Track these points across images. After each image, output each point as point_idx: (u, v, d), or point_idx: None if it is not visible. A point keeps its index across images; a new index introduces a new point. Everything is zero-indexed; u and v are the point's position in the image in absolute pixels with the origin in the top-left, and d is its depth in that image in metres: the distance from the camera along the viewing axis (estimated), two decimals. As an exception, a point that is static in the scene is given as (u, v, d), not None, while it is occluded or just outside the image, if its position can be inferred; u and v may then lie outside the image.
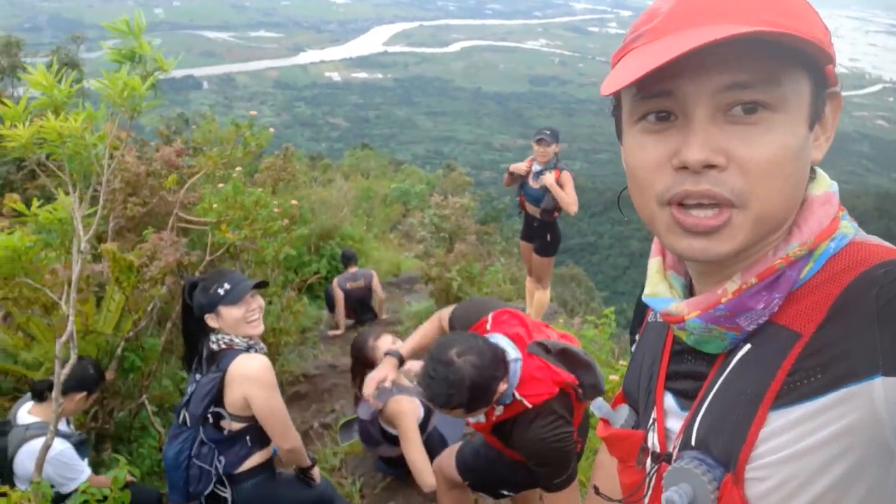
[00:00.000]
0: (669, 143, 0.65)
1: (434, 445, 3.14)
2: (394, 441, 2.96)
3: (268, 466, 2.41)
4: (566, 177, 4.46)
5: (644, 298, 0.81)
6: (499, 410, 1.90)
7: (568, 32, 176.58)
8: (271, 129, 4.79)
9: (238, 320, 2.30)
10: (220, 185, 4.40)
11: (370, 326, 6.14)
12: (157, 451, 3.48)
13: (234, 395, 2.24)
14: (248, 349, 2.32)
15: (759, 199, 0.63)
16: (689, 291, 0.80)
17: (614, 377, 3.29)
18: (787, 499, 0.64)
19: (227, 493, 2.31)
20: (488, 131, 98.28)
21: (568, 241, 44.72)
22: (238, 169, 4.58)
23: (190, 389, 2.34)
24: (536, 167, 4.57)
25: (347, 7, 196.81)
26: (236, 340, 2.31)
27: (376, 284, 6.41)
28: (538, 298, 4.96)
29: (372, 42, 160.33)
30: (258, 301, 2.39)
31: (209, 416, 2.26)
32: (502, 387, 1.83)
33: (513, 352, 1.90)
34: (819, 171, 0.73)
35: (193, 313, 2.34)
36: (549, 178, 4.40)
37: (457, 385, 1.73)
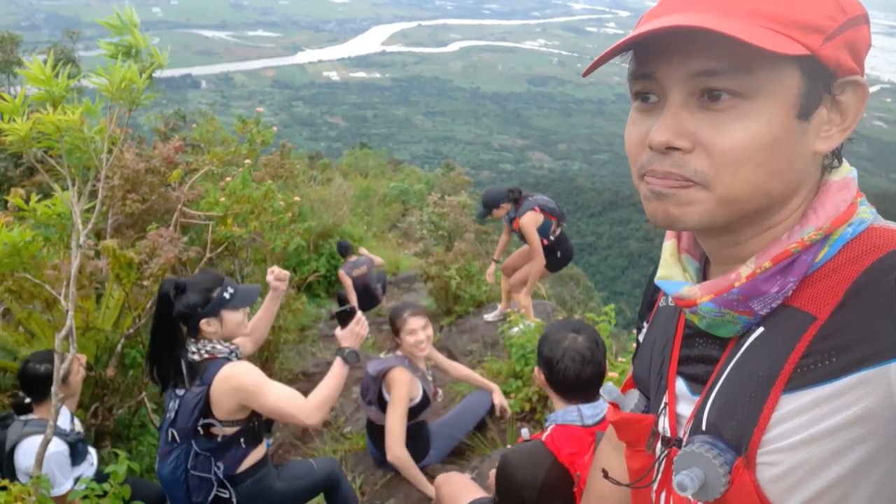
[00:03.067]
0: (649, 122, 0.68)
1: (420, 438, 3.17)
2: (384, 408, 3.03)
3: (265, 462, 2.40)
4: (524, 222, 4.46)
5: (656, 281, 0.80)
6: None
7: (566, 32, 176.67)
8: (274, 129, 4.78)
9: (238, 324, 2.28)
10: (228, 179, 4.39)
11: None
12: (156, 449, 3.47)
13: (225, 404, 2.17)
14: (229, 355, 2.25)
15: (724, 182, 0.64)
16: (703, 275, 0.80)
17: (613, 374, 3.28)
18: (798, 484, 0.64)
19: (228, 494, 2.30)
20: (487, 131, 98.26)
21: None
22: (248, 161, 4.57)
23: (171, 405, 2.25)
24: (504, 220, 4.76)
25: (346, 6, 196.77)
26: (219, 348, 2.24)
27: (378, 260, 6.86)
28: (521, 301, 4.87)
29: (370, 42, 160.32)
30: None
31: (199, 428, 2.20)
32: None
33: None
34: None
35: (171, 318, 2.22)
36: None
37: None
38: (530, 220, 4.47)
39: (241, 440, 2.28)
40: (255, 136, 4.51)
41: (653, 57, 0.66)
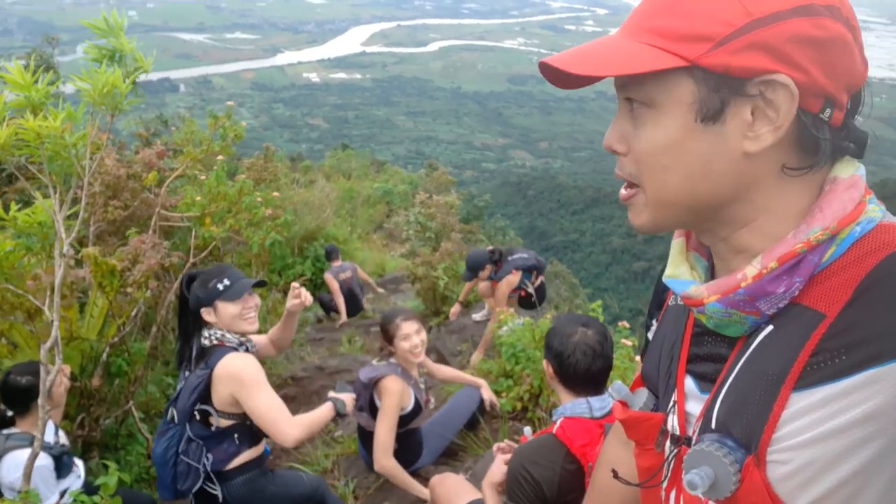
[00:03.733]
0: None
1: (412, 442, 3.16)
2: (376, 415, 3.01)
3: (259, 464, 2.40)
4: (500, 286, 4.74)
5: (665, 279, 0.80)
6: None
7: (545, 31, 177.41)
8: (244, 123, 4.70)
9: (234, 316, 2.33)
10: (203, 178, 4.33)
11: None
12: (145, 458, 3.42)
13: (221, 393, 2.24)
14: (239, 346, 2.33)
15: (647, 184, 0.72)
16: (712, 273, 0.80)
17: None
18: (809, 482, 0.64)
19: (217, 490, 2.29)
20: (468, 130, 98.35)
21: (550, 239, 44.95)
22: (220, 157, 4.49)
23: (179, 386, 2.33)
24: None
25: (324, 7, 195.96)
26: (228, 336, 2.33)
27: (361, 273, 7.00)
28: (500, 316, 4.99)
29: (350, 42, 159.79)
30: (255, 299, 2.41)
31: (196, 412, 2.25)
32: None
33: None
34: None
35: (189, 307, 2.35)
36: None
37: None
38: (506, 285, 4.75)
39: (235, 436, 2.30)
40: (227, 130, 4.44)
41: None
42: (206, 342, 2.32)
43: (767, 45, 0.63)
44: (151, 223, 3.86)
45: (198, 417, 2.26)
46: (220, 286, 2.32)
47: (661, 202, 0.72)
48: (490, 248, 5.02)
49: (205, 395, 2.25)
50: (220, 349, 2.28)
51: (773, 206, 0.70)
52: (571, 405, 1.83)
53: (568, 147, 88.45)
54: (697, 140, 0.67)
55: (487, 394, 3.43)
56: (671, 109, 0.67)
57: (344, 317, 6.46)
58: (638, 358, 3.42)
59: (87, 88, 2.31)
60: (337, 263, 6.67)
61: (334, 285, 6.47)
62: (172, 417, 2.31)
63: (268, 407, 2.18)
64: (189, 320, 2.38)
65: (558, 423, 1.81)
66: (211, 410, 2.25)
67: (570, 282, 19.29)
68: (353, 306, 6.67)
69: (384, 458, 2.89)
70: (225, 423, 2.27)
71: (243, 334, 2.37)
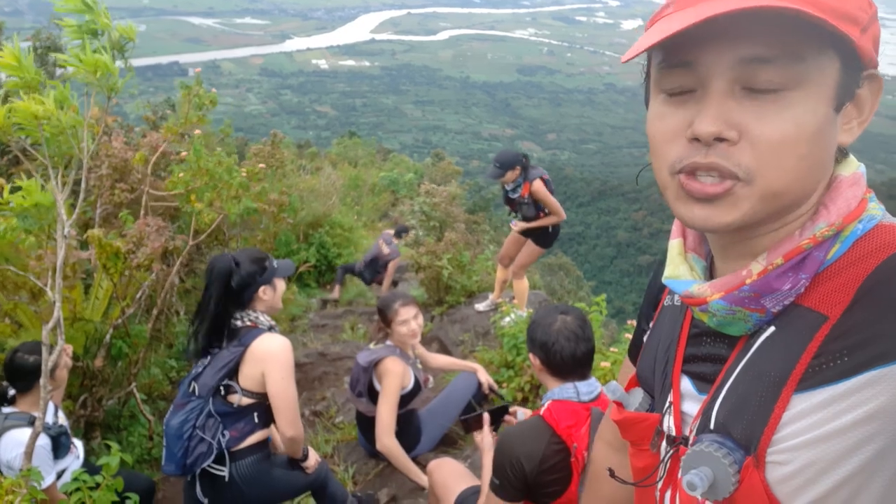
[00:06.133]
0: (686, 113, 0.65)
1: (411, 428, 3.17)
2: (375, 400, 3.03)
3: (265, 446, 2.44)
4: (536, 190, 4.44)
5: (664, 280, 0.79)
6: None
7: (556, 22, 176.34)
8: (214, 90, 4.62)
9: (282, 293, 2.51)
10: (183, 154, 4.29)
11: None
12: (146, 440, 3.45)
13: (251, 371, 2.30)
14: (269, 329, 2.41)
15: (767, 176, 0.62)
16: (709, 274, 0.79)
17: (605, 364, 3.30)
18: (808, 483, 0.63)
19: (223, 472, 2.30)
20: (476, 121, 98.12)
21: (556, 231, 44.82)
22: (197, 132, 4.42)
23: (202, 362, 2.38)
24: (508, 186, 4.60)
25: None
26: (262, 319, 2.41)
27: (392, 267, 7.04)
28: (520, 287, 4.90)
29: (359, 30, 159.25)
30: None
31: (221, 388, 2.30)
32: None
33: None
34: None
35: (233, 287, 2.36)
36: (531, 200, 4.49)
37: None
38: (542, 187, 4.45)
39: (255, 414, 2.35)
40: (201, 99, 4.36)
41: (693, 44, 0.63)
42: (239, 323, 2.37)
43: (875, 40, 0.64)
44: (142, 202, 3.86)
45: (222, 393, 2.31)
46: (276, 264, 2.45)
47: (772, 195, 0.63)
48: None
49: (234, 371, 2.31)
50: (255, 330, 2.36)
51: (815, 201, 0.68)
52: (559, 389, 1.89)
53: (576, 139, 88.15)
54: (830, 128, 0.63)
55: (484, 377, 3.42)
56: (819, 92, 0.61)
57: (336, 294, 6.93)
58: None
59: (79, 67, 2.29)
60: (395, 240, 7.08)
61: (376, 244, 6.99)
62: (194, 390, 2.34)
63: (289, 395, 2.30)
64: (230, 302, 2.38)
65: (546, 405, 1.87)
66: (236, 387, 2.31)
67: (574, 274, 19.28)
68: (365, 271, 7.02)
69: (386, 436, 2.92)
70: (247, 401, 2.33)
71: (271, 317, 2.47)
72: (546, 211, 4.54)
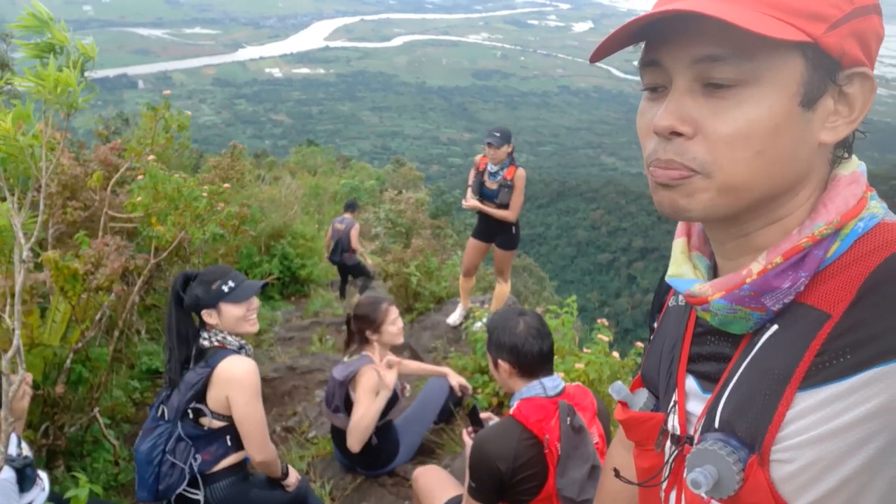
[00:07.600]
0: (657, 109, 0.68)
1: (390, 438, 3.13)
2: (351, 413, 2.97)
3: (241, 468, 2.38)
4: (518, 176, 4.40)
5: (667, 279, 0.80)
6: None
7: (508, 26, 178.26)
8: (188, 112, 4.51)
9: (238, 319, 2.32)
10: (140, 177, 4.16)
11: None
12: (112, 466, 3.33)
13: (217, 394, 2.23)
14: (239, 349, 2.32)
15: (723, 170, 0.65)
16: (714, 273, 0.79)
17: (580, 365, 3.32)
18: (813, 481, 0.64)
19: (198, 496, 2.25)
20: (434, 125, 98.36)
21: (517, 233, 45.23)
22: (151, 157, 4.29)
23: (165, 385, 2.31)
24: (492, 167, 4.51)
25: (286, 2, 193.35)
26: (229, 339, 2.32)
27: (355, 236, 7.27)
28: (499, 291, 4.90)
29: (313, 37, 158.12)
30: (256, 301, 2.41)
31: (189, 411, 2.23)
32: None
33: None
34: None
35: (183, 307, 2.30)
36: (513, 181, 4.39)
37: None
38: (524, 178, 4.40)
39: (227, 437, 2.29)
40: (169, 121, 4.24)
41: (659, 44, 0.67)
42: (206, 343, 2.30)
43: (861, 36, 0.64)
44: (101, 223, 3.73)
45: (191, 416, 2.24)
46: (226, 287, 2.30)
47: (732, 188, 0.65)
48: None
49: (201, 393, 2.24)
50: (222, 351, 2.28)
51: (811, 200, 0.69)
52: (526, 388, 1.94)
53: (533, 141, 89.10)
54: (794, 124, 0.64)
55: (455, 380, 3.38)
56: (776, 89, 0.62)
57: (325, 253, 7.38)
58: (615, 354, 3.45)
59: (37, 86, 2.20)
60: (346, 215, 7.36)
61: (328, 232, 7.31)
62: (162, 414, 2.28)
63: (256, 419, 2.24)
64: (183, 322, 2.31)
65: (514, 405, 1.91)
66: (205, 410, 2.24)
67: (537, 275, 19.46)
68: (334, 254, 7.25)
69: (356, 442, 2.86)
70: (217, 424, 2.26)
71: (242, 337, 2.36)
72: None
